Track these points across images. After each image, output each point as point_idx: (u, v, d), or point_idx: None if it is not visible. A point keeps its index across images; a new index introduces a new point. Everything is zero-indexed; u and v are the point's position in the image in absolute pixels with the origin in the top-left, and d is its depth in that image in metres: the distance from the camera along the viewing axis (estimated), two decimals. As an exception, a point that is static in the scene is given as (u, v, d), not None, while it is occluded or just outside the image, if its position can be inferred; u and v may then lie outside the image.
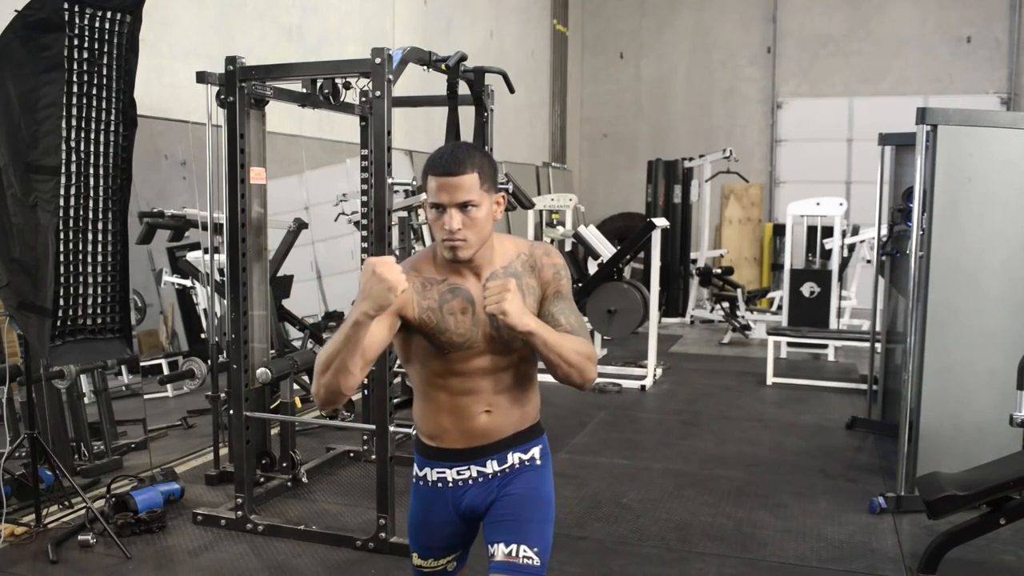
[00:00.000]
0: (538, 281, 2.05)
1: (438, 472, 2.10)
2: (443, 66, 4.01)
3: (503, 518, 2.06)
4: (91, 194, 3.75)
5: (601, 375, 7.38)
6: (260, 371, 4.06)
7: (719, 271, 10.22)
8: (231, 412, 4.07)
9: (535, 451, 2.13)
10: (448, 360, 2.01)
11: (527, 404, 2.12)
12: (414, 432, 2.17)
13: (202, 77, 4.43)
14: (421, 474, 2.13)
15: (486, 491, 2.09)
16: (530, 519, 2.05)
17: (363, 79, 4.00)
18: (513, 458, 2.09)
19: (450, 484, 2.10)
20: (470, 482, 2.09)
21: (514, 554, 1.99)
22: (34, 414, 3.98)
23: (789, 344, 8.61)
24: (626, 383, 7.13)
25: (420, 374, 2.06)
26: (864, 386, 6.71)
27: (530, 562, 1.99)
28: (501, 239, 2.06)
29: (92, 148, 3.72)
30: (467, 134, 4.20)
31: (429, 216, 1.93)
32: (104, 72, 3.71)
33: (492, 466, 2.09)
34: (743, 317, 9.70)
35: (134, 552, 3.66)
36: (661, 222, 7.39)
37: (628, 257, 7.66)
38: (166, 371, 6.40)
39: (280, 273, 6.49)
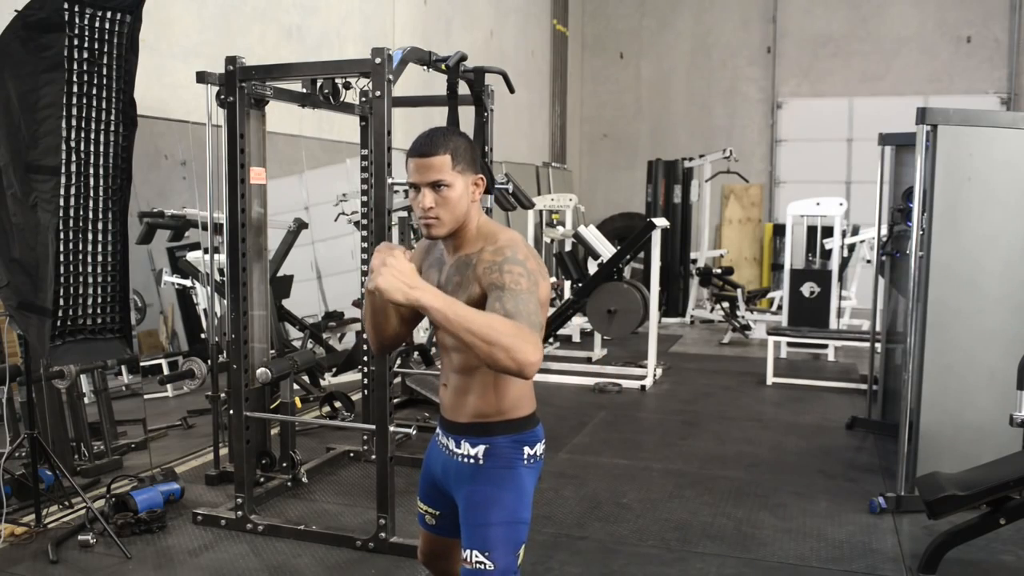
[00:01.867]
0: (474, 275, 1.98)
1: (438, 428, 2.23)
2: (443, 66, 4.01)
3: (462, 522, 2.09)
4: (91, 194, 3.75)
5: (601, 375, 7.39)
6: (260, 371, 4.06)
7: (719, 271, 10.23)
8: (231, 412, 4.07)
9: (479, 450, 2.08)
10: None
11: (483, 396, 2.06)
12: None
13: (202, 77, 4.43)
14: (436, 423, 2.27)
15: (453, 472, 2.13)
16: (478, 523, 2.04)
17: (363, 79, 4.00)
18: (463, 447, 2.10)
19: (438, 443, 2.22)
20: (444, 451, 2.17)
21: (468, 559, 2.03)
22: (34, 414, 3.98)
23: (789, 344, 8.62)
24: (626, 383, 7.13)
25: None
26: (864, 386, 6.71)
27: (481, 567, 2.00)
28: (498, 230, 2.05)
29: (92, 148, 3.72)
30: (467, 134, 4.19)
31: (409, 196, 2.04)
32: (104, 72, 3.70)
33: (451, 444, 2.15)
34: (743, 317, 9.70)
35: (134, 552, 3.66)
36: (661, 222, 7.39)
37: (628, 257, 7.66)
38: (166, 371, 6.41)
39: (280, 273, 6.50)
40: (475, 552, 2.02)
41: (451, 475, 2.14)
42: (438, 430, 2.23)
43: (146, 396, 5.88)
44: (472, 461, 2.09)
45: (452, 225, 2.02)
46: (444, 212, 1.99)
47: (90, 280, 3.81)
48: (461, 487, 2.11)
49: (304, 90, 4.10)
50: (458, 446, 2.12)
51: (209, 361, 4.97)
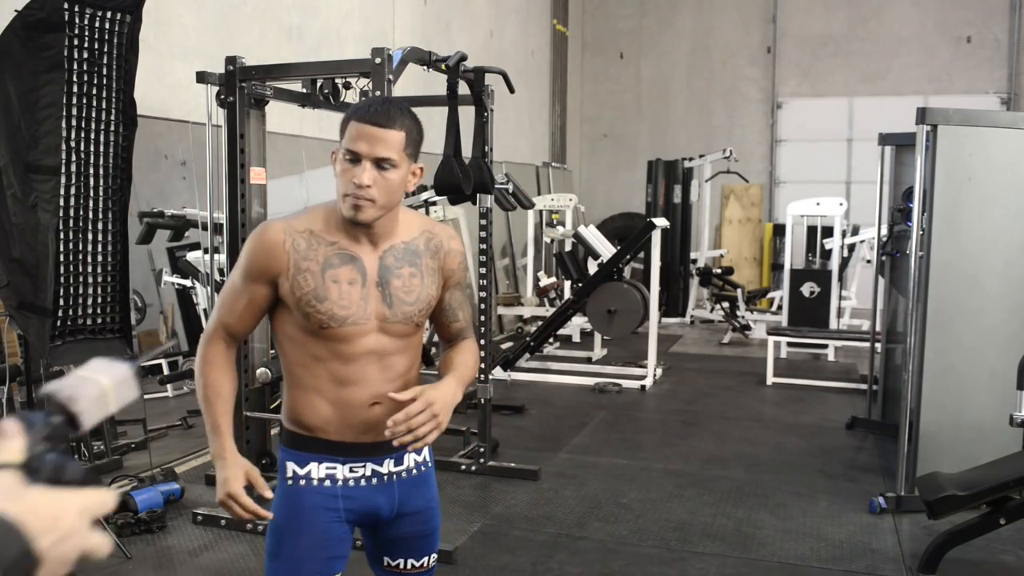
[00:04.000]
0: (440, 266, 1.88)
1: (327, 468, 1.80)
2: (443, 66, 4.01)
3: (413, 535, 1.91)
4: (91, 194, 3.75)
5: (601, 375, 7.38)
6: (260, 371, 4.06)
7: (719, 271, 10.22)
8: (231, 412, 4.06)
9: (425, 450, 1.90)
10: (329, 340, 1.75)
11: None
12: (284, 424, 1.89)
13: (202, 77, 4.43)
14: (302, 472, 1.80)
15: (384, 496, 1.85)
16: (435, 528, 1.96)
17: (363, 79, 4.00)
18: (409, 460, 1.88)
19: (339, 483, 1.81)
20: (363, 482, 1.82)
21: (425, 564, 1.95)
22: (34, 414, 3.97)
23: (789, 344, 8.61)
24: (626, 383, 7.12)
25: (294, 356, 1.81)
26: (864, 386, 6.71)
27: (435, 565, 1.99)
28: (407, 213, 1.92)
29: (92, 148, 3.72)
30: (467, 134, 4.20)
31: (339, 166, 1.77)
32: (104, 72, 3.71)
33: (389, 466, 1.85)
34: (743, 317, 9.70)
35: (134, 552, 3.66)
36: (661, 222, 7.39)
37: (628, 257, 7.65)
38: (166, 371, 6.41)
39: (280, 273, 6.49)
40: (431, 557, 1.97)
41: (397, 500, 1.87)
42: (341, 469, 1.81)
43: (146, 396, 5.87)
44: (425, 467, 1.93)
45: (382, 212, 1.75)
46: (381, 195, 1.73)
47: (90, 280, 3.82)
48: (415, 502, 1.90)
49: (304, 90, 4.10)
50: (399, 462, 1.87)
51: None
